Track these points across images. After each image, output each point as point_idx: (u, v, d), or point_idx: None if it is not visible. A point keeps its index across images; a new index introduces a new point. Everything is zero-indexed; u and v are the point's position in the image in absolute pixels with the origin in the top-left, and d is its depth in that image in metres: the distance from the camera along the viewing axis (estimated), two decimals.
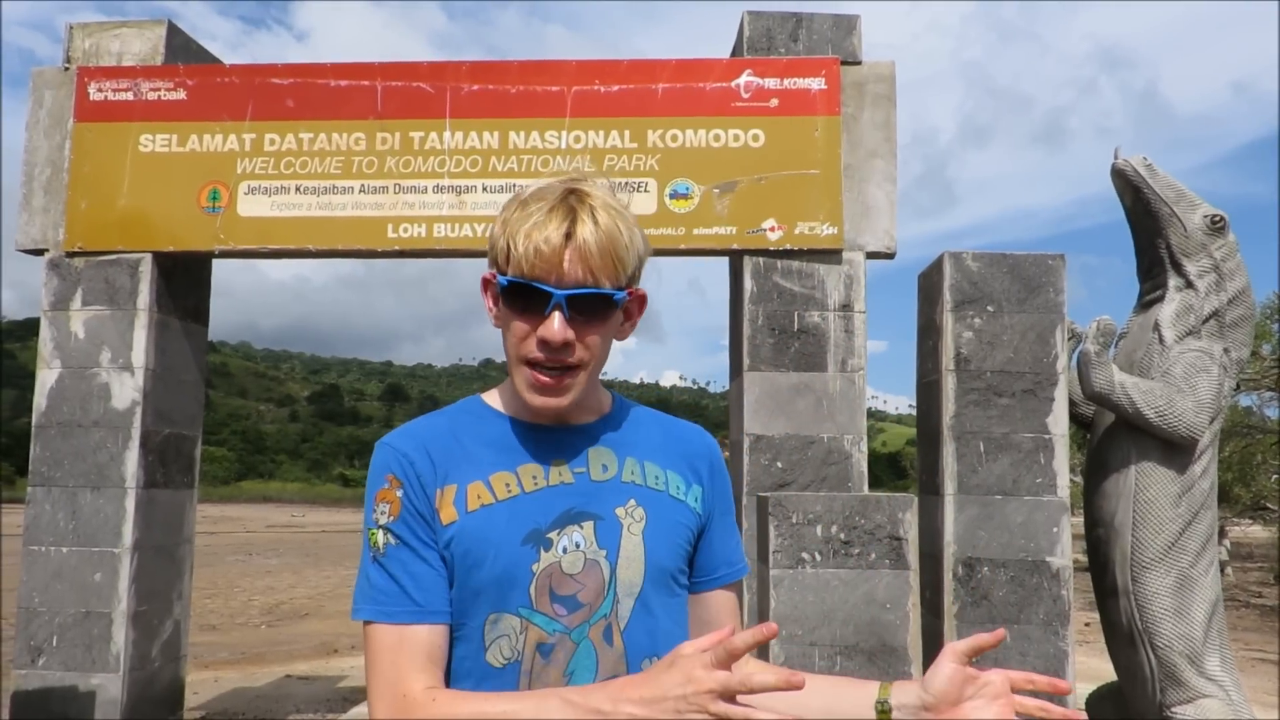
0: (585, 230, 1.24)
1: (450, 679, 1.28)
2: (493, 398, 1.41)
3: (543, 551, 1.29)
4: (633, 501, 1.35)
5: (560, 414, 1.36)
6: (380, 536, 1.30)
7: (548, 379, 1.28)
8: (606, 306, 1.29)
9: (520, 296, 1.27)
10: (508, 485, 1.32)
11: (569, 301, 1.25)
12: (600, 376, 1.40)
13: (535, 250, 1.23)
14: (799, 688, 1.05)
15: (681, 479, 1.41)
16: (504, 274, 1.28)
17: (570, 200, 1.26)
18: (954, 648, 1.25)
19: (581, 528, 1.31)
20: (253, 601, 14.24)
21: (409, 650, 1.25)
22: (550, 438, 1.36)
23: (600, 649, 1.30)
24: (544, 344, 1.27)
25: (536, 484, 1.32)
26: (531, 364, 1.29)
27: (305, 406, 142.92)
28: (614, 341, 1.38)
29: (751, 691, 1.05)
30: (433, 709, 1.20)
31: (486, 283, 1.34)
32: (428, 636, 1.26)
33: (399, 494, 1.30)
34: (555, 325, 1.25)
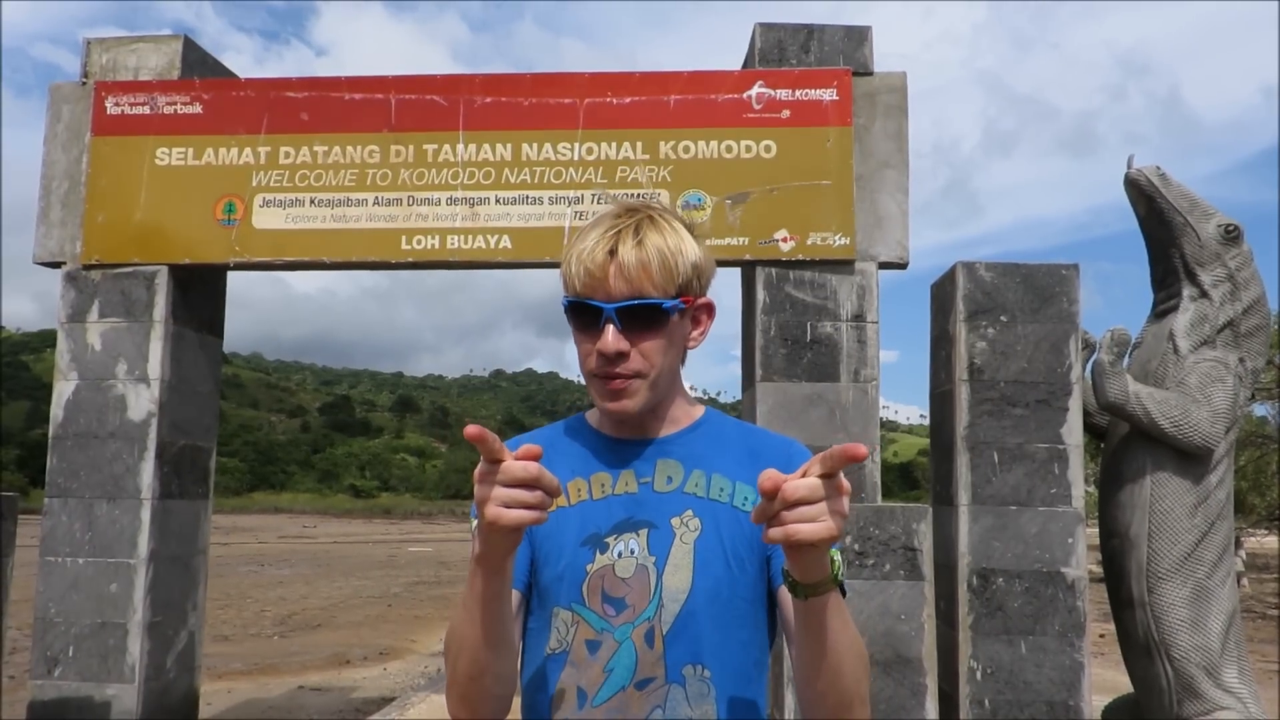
0: (627, 246, 1.34)
1: (524, 664, 1.44)
2: (591, 414, 1.52)
3: (598, 554, 1.39)
4: (689, 512, 1.41)
5: (639, 420, 1.44)
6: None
7: (612, 385, 1.37)
8: (657, 315, 1.36)
9: (579, 315, 1.38)
10: (579, 491, 1.43)
11: (619, 314, 1.34)
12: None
13: (585, 271, 1.34)
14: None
15: (753, 490, 1.42)
16: (566, 297, 1.38)
17: (620, 221, 1.36)
18: (814, 466, 1.08)
19: (637, 535, 1.39)
20: (265, 612, 14.26)
21: None
22: (625, 450, 1.45)
23: (641, 650, 1.36)
24: (601, 356, 1.36)
25: (604, 491, 1.42)
26: (599, 376, 1.38)
27: (317, 417, 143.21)
28: (687, 350, 1.46)
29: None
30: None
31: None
32: None
33: None
34: (609, 337, 1.34)
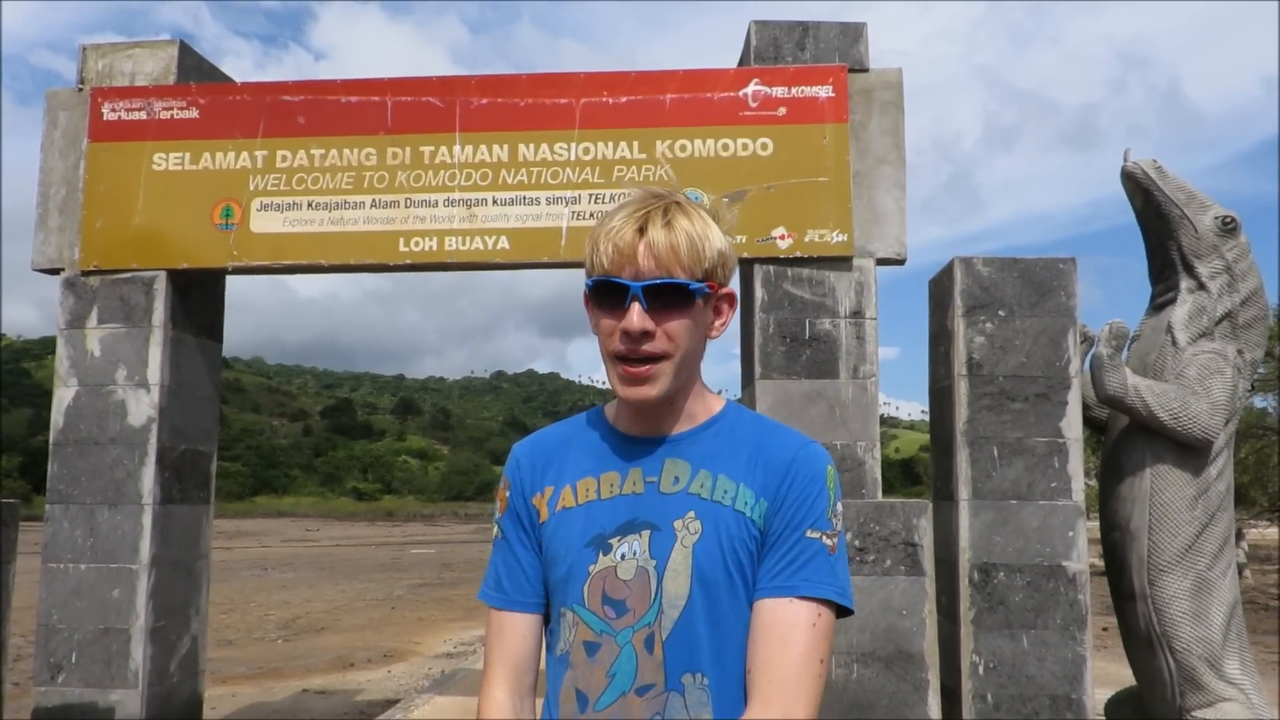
0: (656, 227, 1.33)
1: (547, 659, 1.47)
2: (610, 408, 1.52)
3: (601, 555, 1.38)
4: (692, 514, 1.38)
5: (655, 412, 1.42)
6: (495, 529, 1.53)
7: (633, 369, 1.35)
8: (683, 296, 1.35)
9: (604, 295, 1.36)
10: (587, 490, 1.42)
11: (646, 292, 1.33)
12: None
13: (614, 248, 1.33)
14: None
15: (753, 493, 1.39)
16: (591, 278, 1.38)
17: (649, 203, 1.36)
18: None
19: (640, 537, 1.38)
20: (269, 616, 14.27)
21: (497, 640, 1.47)
22: (636, 447, 1.44)
23: (641, 655, 1.34)
24: (625, 334, 1.34)
25: (612, 491, 1.41)
26: (619, 358, 1.36)
27: (318, 421, 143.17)
28: (707, 340, 1.44)
29: None
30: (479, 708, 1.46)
31: (587, 297, 1.42)
32: (512, 625, 1.46)
33: (507, 494, 1.51)
34: (634, 316, 1.33)
